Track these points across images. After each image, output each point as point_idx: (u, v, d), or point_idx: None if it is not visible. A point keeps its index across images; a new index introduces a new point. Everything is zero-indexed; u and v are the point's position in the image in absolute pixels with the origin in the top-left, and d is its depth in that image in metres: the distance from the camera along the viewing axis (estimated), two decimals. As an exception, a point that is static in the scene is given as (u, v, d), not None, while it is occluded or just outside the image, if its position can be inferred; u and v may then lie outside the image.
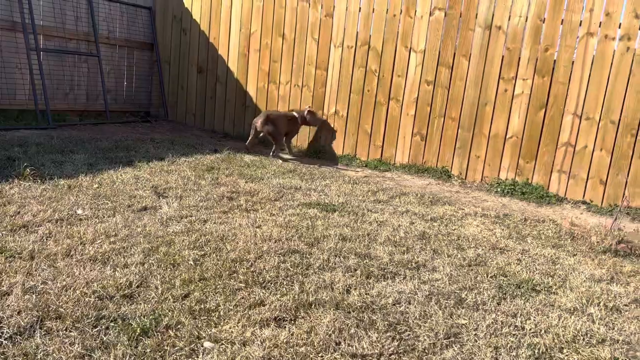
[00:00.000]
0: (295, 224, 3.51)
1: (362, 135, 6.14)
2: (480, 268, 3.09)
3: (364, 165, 6.04)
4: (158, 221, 3.31)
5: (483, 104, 5.48)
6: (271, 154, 5.90)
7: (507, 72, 5.33)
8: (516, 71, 5.29)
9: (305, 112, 6.07)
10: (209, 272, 2.63)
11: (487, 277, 2.96)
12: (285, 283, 2.60)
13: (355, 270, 2.86)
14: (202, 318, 2.22)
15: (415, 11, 5.66)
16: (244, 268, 2.72)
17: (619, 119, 4.93)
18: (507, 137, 5.42)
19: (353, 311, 2.38)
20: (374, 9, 5.87)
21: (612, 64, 4.90)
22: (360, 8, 5.95)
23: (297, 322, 2.26)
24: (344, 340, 2.13)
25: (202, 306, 2.31)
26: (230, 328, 2.16)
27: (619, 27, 4.83)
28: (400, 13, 5.73)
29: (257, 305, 2.36)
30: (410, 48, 5.74)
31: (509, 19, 5.26)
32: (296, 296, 2.46)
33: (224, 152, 5.56)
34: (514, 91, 5.32)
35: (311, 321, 2.26)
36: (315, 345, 2.08)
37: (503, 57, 5.34)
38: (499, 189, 5.35)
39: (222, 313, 2.27)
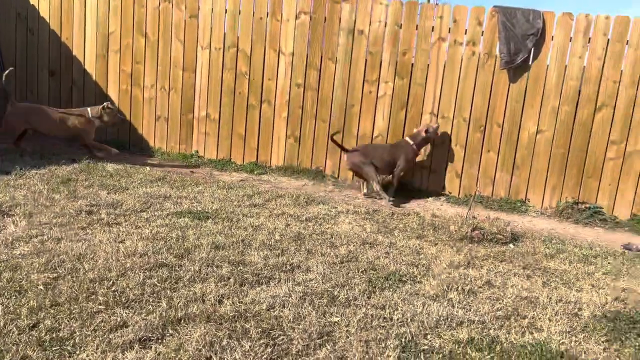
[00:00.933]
0: (164, 236, 3.32)
1: (236, 138, 6.03)
2: (352, 264, 3.18)
3: (239, 169, 5.94)
4: (2, 243, 2.93)
5: (350, 105, 5.68)
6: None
7: (371, 75, 5.59)
8: (379, 74, 5.57)
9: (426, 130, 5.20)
10: (63, 296, 2.38)
11: (358, 272, 3.05)
12: (151, 300, 2.44)
13: (229, 278, 2.77)
14: (53, 349, 1.99)
15: (282, 14, 5.70)
16: (104, 288, 2.50)
17: (470, 117, 5.42)
18: (374, 136, 5.68)
19: (225, 322, 2.31)
20: (240, 11, 5.80)
21: (461, 67, 5.37)
22: (226, 10, 5.84)
23: (164, 341, 2.12)
24: (215, 354, 2.05)
25: (54, 335, 2.07)
26: (87, 356, 1.97)
27: (465, 33, 5.31)
28: (267, 16, 5.73)
29: (119, 328, 2.18)
30: (279, 51, 5.76)
31: (370, 24, 5.51)
32: (163, 313, 2.31)
33: (83, 162, 5.11)
34: (377, 93, 5.59)
35: (180, 338, 2.14)
36: (184, 363, 1.97)
37: (366, 60, 5.58)
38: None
39: (77, 340, 2.05)
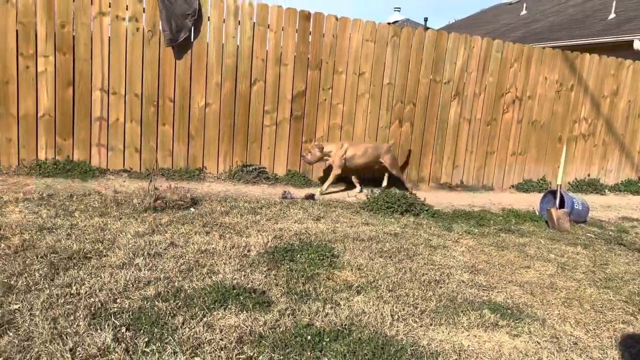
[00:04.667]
0: None
1: None
2: (29, 252, 3.00)
3: None
4: None
5: (4, 82, 5.05)
6: None
7: (26, 48, 5.07)
8: (35, 47, 5.10)
9: None
10: None
11: (37, 258, 2.92)
12: None
13: None
14: None
15: None
16: None
17: (142, 93, 5.54)
18: (40, 116, 5.22)
19: None
20: None
21: (127, 42, 5.40)
22: None
23: None
24: None
25: None
26: None
27: (127, 9, 5.34)
28: None
29: None
30: None
31: (17, -9, 4.96)
32: None
33: None
34: (37, 68, 5.13)
35: None
36: None
37: (18, 31, 5.03)
38: (40, 171, 5.15)
39: None
